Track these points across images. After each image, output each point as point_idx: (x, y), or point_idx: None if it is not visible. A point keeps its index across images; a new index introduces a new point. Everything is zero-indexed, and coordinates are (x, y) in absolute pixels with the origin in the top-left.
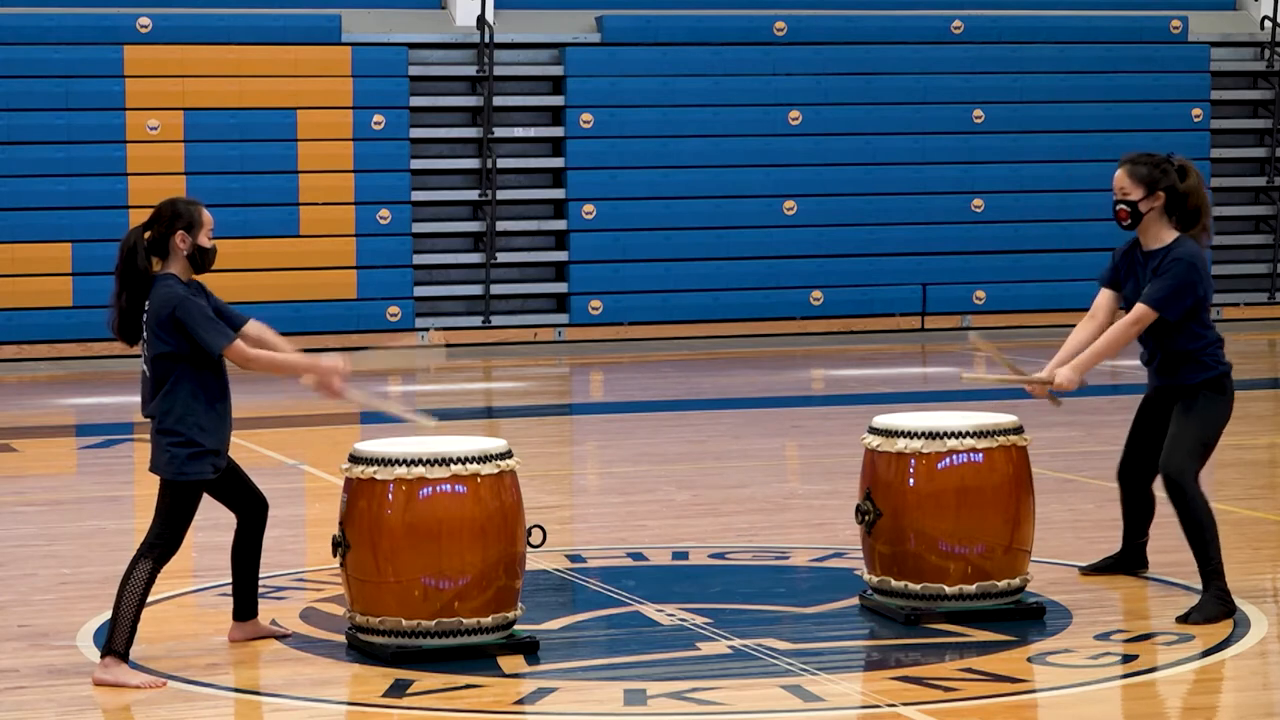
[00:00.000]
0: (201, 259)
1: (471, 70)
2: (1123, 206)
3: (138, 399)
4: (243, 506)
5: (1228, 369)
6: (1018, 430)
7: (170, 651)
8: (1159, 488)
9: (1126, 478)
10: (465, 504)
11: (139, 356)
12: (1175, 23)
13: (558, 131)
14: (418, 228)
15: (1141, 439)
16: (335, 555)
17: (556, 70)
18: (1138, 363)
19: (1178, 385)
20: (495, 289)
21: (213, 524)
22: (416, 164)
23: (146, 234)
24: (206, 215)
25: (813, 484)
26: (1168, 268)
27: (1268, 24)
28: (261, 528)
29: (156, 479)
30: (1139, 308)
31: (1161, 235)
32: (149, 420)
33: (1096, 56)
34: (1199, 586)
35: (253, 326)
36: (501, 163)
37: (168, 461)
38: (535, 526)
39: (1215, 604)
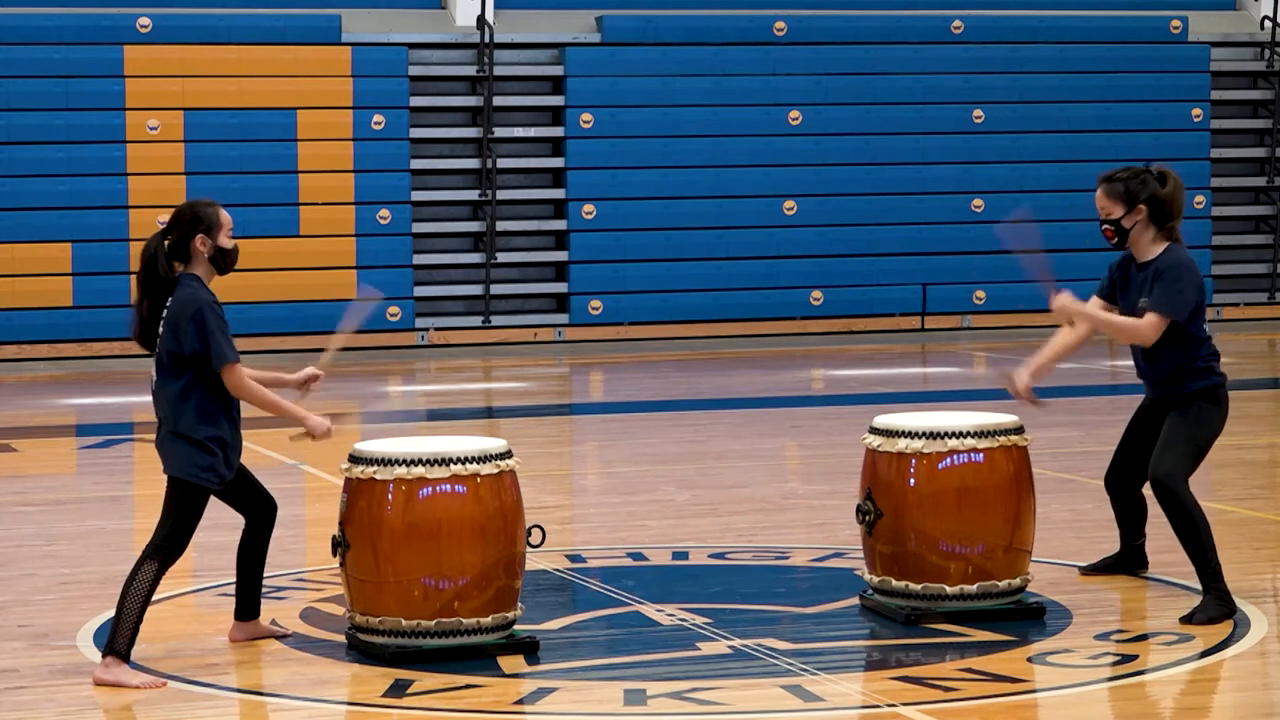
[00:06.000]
0: (224, 260)
1: (471, 70)
2: (1107, 226)
3: (138, 399)
4: (251, 508)
5: (1223, 380)
6: (1018, 430)
7: (170, 651)
8: (1148, 491)
9: (1114, 485)
10: (465, 504)
11: (145, 357)
12: (1175, 23)
13: (558, 131)
14: (418, 228)
15: (1132, 447)
16: (335, 555)
17: (556, 70)
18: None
19: (1174, 395)
20: (495, 289)
21: (213, 524)
22: (416, 164)
23: (167, 240)
24: (225, 216)
25: (813, 484)
26: (1163, 275)
27: (1268, 24)
28: (269, 529)
29: (157, 479)
30: (1151, 316)
31: (1151, 247)
32: (161, 421)
33: (1096, 56)
34: (1199, 586)
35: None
36: (501, 163)
37: (183, 463)
38: (535, 526)
39: (1216, 605)
